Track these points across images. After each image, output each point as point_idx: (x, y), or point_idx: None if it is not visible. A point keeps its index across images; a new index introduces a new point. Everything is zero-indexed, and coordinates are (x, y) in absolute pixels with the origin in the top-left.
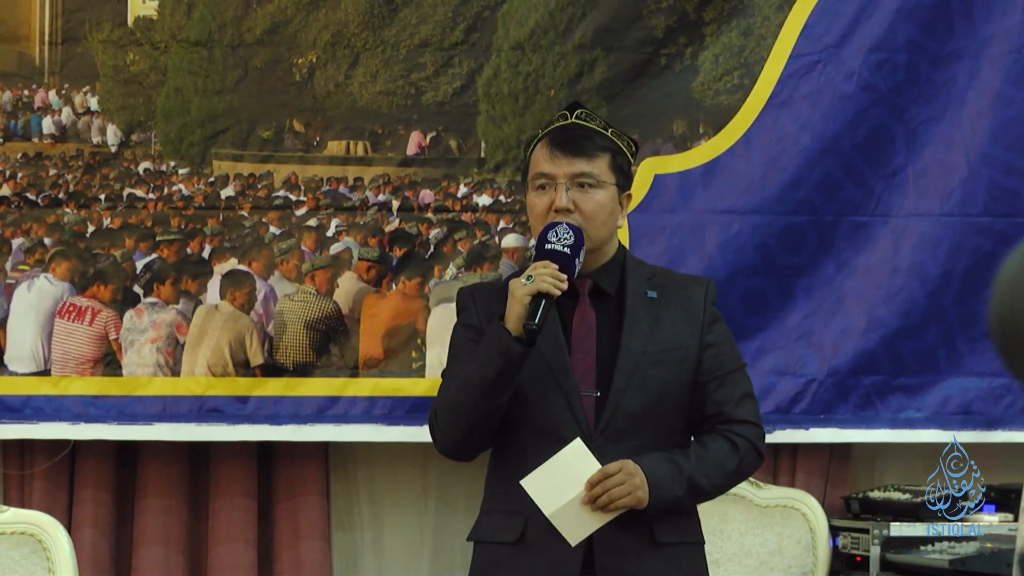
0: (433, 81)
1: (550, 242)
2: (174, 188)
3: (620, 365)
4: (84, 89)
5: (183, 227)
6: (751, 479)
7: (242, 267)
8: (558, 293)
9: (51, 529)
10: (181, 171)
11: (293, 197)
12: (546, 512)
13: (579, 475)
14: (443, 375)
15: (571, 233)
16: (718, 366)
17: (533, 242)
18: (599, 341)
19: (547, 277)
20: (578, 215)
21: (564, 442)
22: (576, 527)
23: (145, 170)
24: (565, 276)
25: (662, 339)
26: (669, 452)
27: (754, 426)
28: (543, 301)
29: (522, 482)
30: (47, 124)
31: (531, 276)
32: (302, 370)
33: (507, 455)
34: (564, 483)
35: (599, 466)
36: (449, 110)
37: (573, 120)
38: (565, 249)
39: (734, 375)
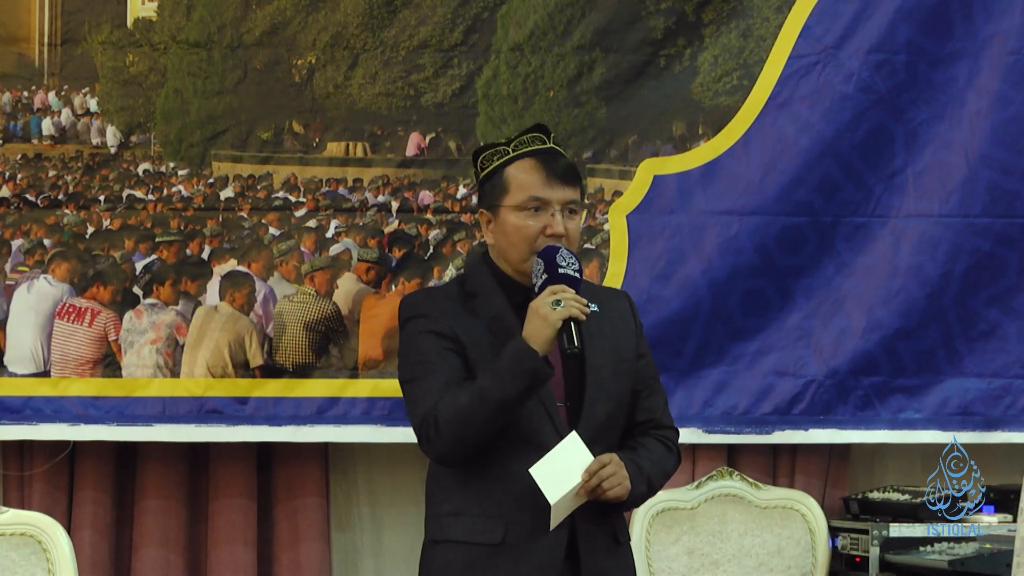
0: (432, 82)
1: (562, 267)
2: (173, 189)
3: (589, 377)
4: (83, 90)
5: (182, 228)
6: (750, 480)
7: (241, 268)
8: (584, 318)
9: (51, 530)
10: (180, 172)
11: (292, 198)
12: (551, 500)
13: (577, 465)
14: (411, 380)
15: (574, 258)
16: (648, 375)
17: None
18: (562, 353)
19: (574, 303)
20: (565, 239)
21: (543, 449)
22: (561, 514)
23: (144, 171)
24: (586, 300)
25: (613, 351)
26: (622, 453)
27: (676, 432)
28: (571, 325)
29: (531, 470)
30: (47, 125)
31: (559, 301)
32: (301, 371)
33: (484, 460)
34: (565, 473)
35: (592, 457)
36: (448, 111)
37: (551, 145)
38: (576, 273)
39: (658, 383)
